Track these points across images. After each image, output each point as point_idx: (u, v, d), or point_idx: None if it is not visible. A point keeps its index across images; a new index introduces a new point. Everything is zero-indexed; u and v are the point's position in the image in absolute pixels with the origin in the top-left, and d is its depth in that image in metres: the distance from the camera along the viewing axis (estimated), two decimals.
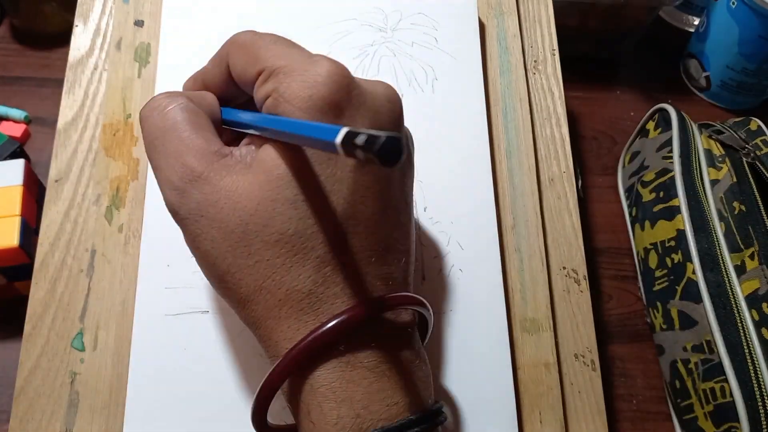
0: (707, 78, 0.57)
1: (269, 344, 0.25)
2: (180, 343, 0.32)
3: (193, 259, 0.33)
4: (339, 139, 0.18)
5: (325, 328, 0.23)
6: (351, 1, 0.40)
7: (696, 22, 0.60)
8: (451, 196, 0.37)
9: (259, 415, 0.25)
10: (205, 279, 0.33)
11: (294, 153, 0.23)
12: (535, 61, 0.44)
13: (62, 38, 0.54)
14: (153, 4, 0.41)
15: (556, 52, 0.44)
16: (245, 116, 0.26)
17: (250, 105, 0.28)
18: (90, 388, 0.33)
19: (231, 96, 0.28)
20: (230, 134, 0.27)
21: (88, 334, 0.34)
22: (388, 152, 0.17)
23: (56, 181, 0.37)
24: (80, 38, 0.41)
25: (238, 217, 0.23)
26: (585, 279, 0.39)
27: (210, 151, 0.24)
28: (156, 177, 0.25)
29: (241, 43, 0.26)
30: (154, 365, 0.32)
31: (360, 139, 0.17)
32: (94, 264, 0.35)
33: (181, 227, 0.25)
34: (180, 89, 0.37)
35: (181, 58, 0.38)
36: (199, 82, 0.28)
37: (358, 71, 0.39)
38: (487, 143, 0.38)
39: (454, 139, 0.38)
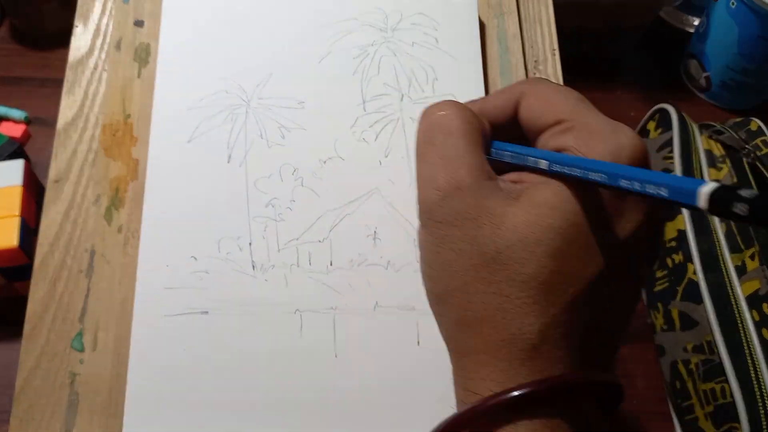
0: (707, 78, 0.57)
1: (472, 377, 0.23)
2: (179, 343, 0.32)
3: (192, 259, 0.34)
4: (703, 202, 0.17)
5: (542, 387, 0.22)
6: (351, 1, 0.40)
7: (696, 23, 0.60)
8: None
9: None
10: (204, 279, 0.34)
11: (571, 203, 0.23)
12: (535, 61, 0.44)
13: (62, 38, 0.54)
14: (153, 4, 0.40)
15: (557, 52, 0.44)
16: (542, 153, 0.24)
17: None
18: (89, 388, 0.33)
19: (498, 131, 0.27)
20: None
21: (88, 334, 0.34)
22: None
23: (56, 181, 0.37)
24: (80, 38, 0.41)
25: (494, 242, 0.23)
26: None
27: (483, 169, 0.24)
28: (419, 171, 0.25)
29: (542, 88, 0.26)
30: (154, 366, 0.32)
31: (739, 208, 0.16)
32: (94, 264, 0.35)
33: (429, 228, 0.24)
34: (179, 91, 0.37)
35: (181, 58, 0.38)
36: (476, 107, 0.28)
37: (358, 71, 0.39)
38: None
39: None
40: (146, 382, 0.32)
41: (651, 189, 0.19)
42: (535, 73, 0.43)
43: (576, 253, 0.22)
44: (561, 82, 0.43)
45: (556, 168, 0.23)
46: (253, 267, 0.34)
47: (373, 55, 0.39)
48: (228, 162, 0.36)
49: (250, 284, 0.34)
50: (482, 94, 0.39)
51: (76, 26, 0.41)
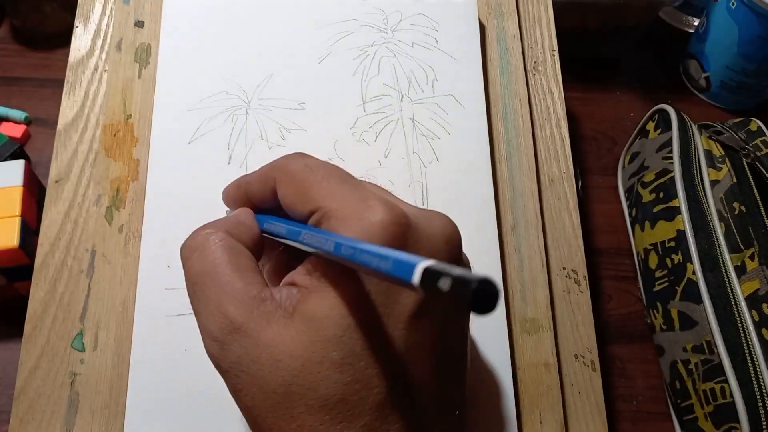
0: (707, 78, 0.57)
1: None
2: (180, 343, 0.32)
3: None
4: (416, 279, 0.16)
5: None
6: (351, 2, 0.40)
7: (696, 23, 0.60)
8: (452, 197, 0.37)
9: None
10: None
11: (342, 307, 0.22)
12: (535, 62, 0.44)
13: (62, 39, 0.54)
14: (153, 5, 0.41)
15: (556, 53, 0.44)
16: (300, 234, 0.23)
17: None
18: (90, 388, 0.33)
19: (274, 209, 0.27)
20: (269, 257, 0.27)
21: (88, 334, 0.34)
22: (482, 299, 0.14)
23: (56, 181, 0.37)
24: (80, 39, 0.41)
25: (280, 377, 0.22)
26: (585, 279, 0.39)
27: (250, 297, 0.23)
28: (198, 323, 0.24)
29: (290, 174, 0.25)
30: (155, 366, 0.32)
31: (444, 284, 0.15)
32: (94, 264, 0.35)
33: (224, 378, 0.24)
34: (179, 92, 0.37)
35: (182, 59, 0.38)
36: (242, 190, 0.27)
37: (358, 72, 0.39)
38: (487, 144, 0.38)
39: (455, 139, 0.38)
40: (147, 382, 0.32)
41: (373, 264, 0.18)
42: (534, 74, 0.43)
43: (364, 355, 0.21)
44: (560, 83, 0.43)
45: (301, 246, 0.22)
46: None
47: (373, 55, 0.39)
48: (228, 163, 0.36)
49: None
50: (482, 94, 0.39)
51: (77, 26, 0.41)
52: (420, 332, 0.22)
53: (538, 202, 0.39)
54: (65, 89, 0.40)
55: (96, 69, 0.40)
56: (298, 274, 0.23)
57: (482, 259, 0.36)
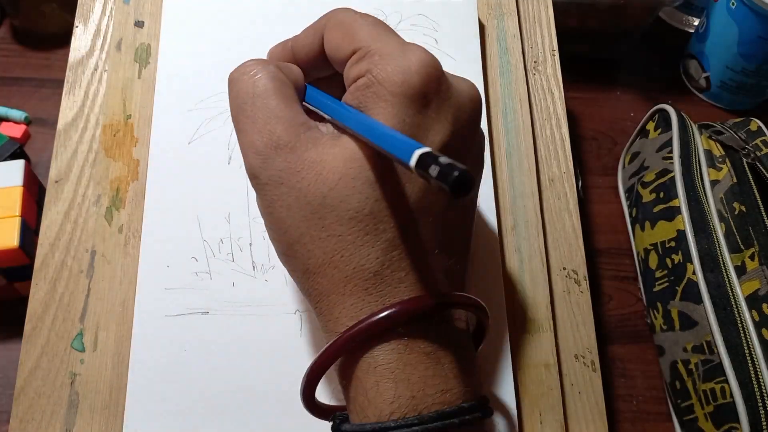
0: (707, 78, 0.57)
1: (329, 318, 0.25)
2: (180, 343, 0.32)
3: (192, 260, 0.34)
4: (413, 162, 0.19)
5: (390, 311, 0.23)
6: (351, 3, 0.40)
7: (696, 23, 0.60)
8: None
9: (310, 388, 0.26)
10: (204, 280, 0.34)
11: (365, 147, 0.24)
12: (535, 62, 0.44)
13: (62, 39, 0.54)
14: (153, 5, 0.41)
15: (556, 53, 0.44)
16: (330, 106, 0.26)
17: (333, 80, 0.28)
18: (90, 388, 0.33)
19: (317, 68, 0.28)
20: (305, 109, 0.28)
21: (88, 334, 0.34)
22: (458, 186, 0.18)
23: (56, 181, 0.37)
24: (80, 39, 0.41)
25: (317, 189, 0.24)
26: (585, 279, 0.39)
27: (297, 123, 0.25)
28: (239, 140, 0.25)
29: (339, 20, 0.26)
30: (154, 366, 0.32)
31: (433, 170, 0.18)
32: (94, 264, 0.35)
33: (258, 192, 0.25)
34: (179, 93, 0.37)
35: (181, 59, 0.38)
36: (288, 49, 0.29)
37: None
38: (487, 144, 0.38)
39: None
40: (147, 382, 0.32)
41: (382, 143, 0.22)
42: (534, 74, 0.43)
43: (393, 180, 0.24)
44: (560, 83, 0.43)
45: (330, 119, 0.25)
46: (254, 267, 0.34)
47: None
48: (228, 163, 0.36)
49: (250, 285, 0.34)
50: (481, 94, 0.39)
51: (77, 27, 0.41)
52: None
53: (539, 202, 0.39)
54: (65, 89, 0.40)
55: (96, 69, 0.40)
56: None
57: (483, 259, 0.36)
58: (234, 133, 0.36)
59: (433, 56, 0.24)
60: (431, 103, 0.24)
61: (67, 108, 0.39)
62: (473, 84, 0.27)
